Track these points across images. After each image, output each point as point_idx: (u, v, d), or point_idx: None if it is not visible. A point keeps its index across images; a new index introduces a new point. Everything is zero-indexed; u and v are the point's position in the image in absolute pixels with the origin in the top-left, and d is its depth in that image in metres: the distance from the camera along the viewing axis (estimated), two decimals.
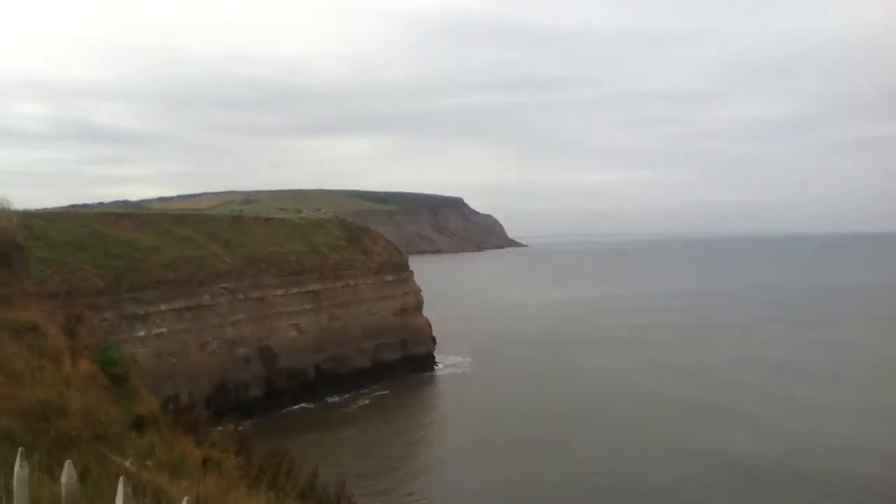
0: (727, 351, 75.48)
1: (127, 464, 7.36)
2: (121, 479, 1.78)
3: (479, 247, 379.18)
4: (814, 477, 37.90)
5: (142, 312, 46.99)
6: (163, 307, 48.60)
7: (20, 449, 1.90)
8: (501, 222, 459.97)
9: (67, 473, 1.81)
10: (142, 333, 46.37)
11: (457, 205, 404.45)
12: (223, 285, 54.15)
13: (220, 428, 13.34)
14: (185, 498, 1.77)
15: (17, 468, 1.84)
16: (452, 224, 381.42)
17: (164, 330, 48.19)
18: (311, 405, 55.59)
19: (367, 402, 57.74)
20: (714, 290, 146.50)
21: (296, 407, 54.72)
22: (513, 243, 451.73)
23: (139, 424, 9.73)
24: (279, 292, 58.75)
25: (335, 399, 57.52)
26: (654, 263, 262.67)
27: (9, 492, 3.28)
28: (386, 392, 60.46)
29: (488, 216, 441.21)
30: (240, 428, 13.98)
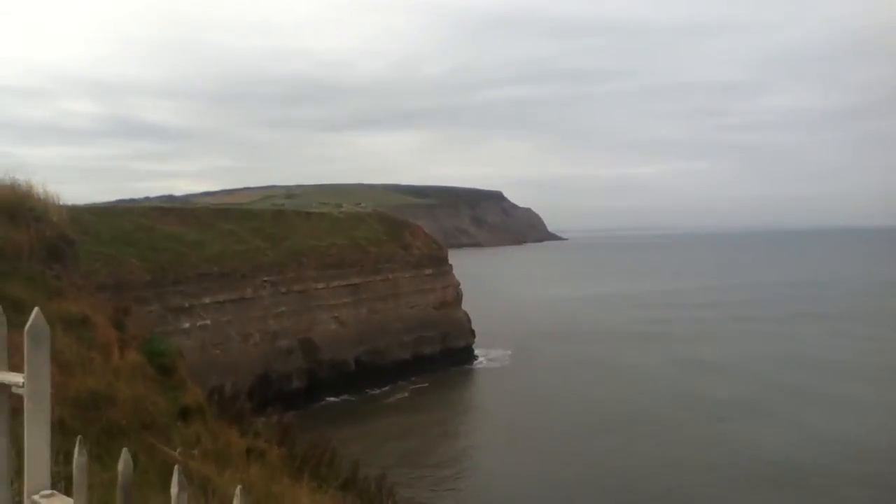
0: (770, 347, 74.03)
1: (176, 453, 7.52)
2: (176, 466, 1.81)
3: (519, 240, 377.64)
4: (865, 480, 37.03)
5: (186, 305, 47.90)
6: (207, 300, 49.47)
7: (79, 437, 1.95)
8: (541, 216, 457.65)
9: (124, 461, 1.85)
10: (186, 325, 47.27)
11: (496, 198, 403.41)
12: (265, 278, 54.91)
13: (263, 418, 13.53)
14: (238, 487, 1.79)
15: (76, 456, 1.88)
16: (492, 217, 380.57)
17: (208, 322, 49.06)
18: (352, 397, 56.09)
19: (406, 394, 58.05)
20: (755, 284, 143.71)
21: (336, 398, 55.27)
22: (553, 237, 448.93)
23: (185, 414, 9.92)
24: (320, 285, 59.36)
25: (375, 391, 57.94)
26: (695, 258, 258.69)
27: (63, 478, 3.36)
28: (425, 384, 60.70)
29: (528, 210, 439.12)
30: (282, 418, 14.18)
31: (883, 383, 57.19)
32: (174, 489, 1.67)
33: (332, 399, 54.94)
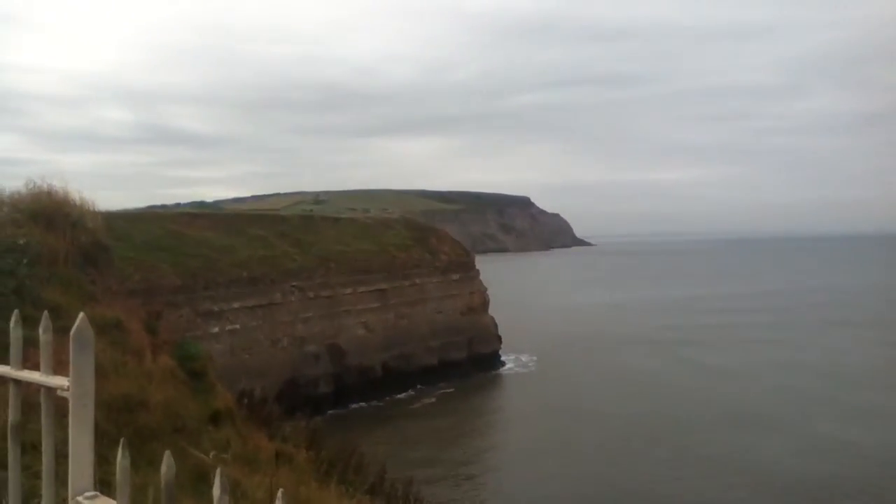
0: (798, 354, 72.88)
1: (209, 457, 7.63)
2: (218, 469, 1.86)
3: (546, 246, 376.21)
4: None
5: (216, 309, 48.44)
6: (236, 305, 49.99)
7: (122, 440, 2.01)
8: (569, 221, 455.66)
9: (167, 465, 1.91)
10: (216, 330, 47.79)
11: (524, 204, 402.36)
12: (294, 283, 55.35)
13: (291, 423, 13.65)
14: (280, 490, 1.84)
15: (119, 458, 1.95)
16: (519, 223, 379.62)
17: (237, 326, 49.57)
18: (379, 402, 56.25)
19: (433, 399, 58.08)
20: (787, 291, 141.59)
21: (364, 403, 55.48)
22: (581, 243, 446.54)
23: (215, 418, 10.05)
24: (348, 291, 59.68)
25: (402, 396, 58.06)
26: (725, 264, 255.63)
27: (98, 480, 3.44)
28: (452, 390, 60.68)
29: (556, 215, 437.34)
30: (310, 423, 14.29)
31: None
32: (216, 491, 1.72)
33: (359, 404, 55.17)
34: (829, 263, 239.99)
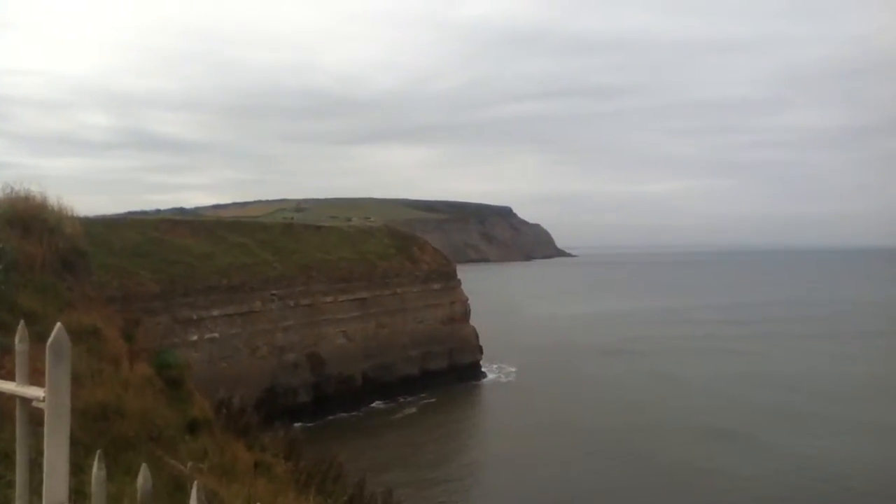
0: (765, 367, 73.60)
1: (186, 467, 7.55)
2: (196, 483, 1.85)
3: (528, 256, 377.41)
4: None
5: (195, 317, 48.05)
6: (215, 312, 49.62)
7: (98, 452, 1.99)
8: (551, 232, 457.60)
9: (143, 476, 1.89)
10: (195, 338, 47.40)
11: (505, 214, 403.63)
12: (274, 292, 55.04)
13: (270, 432, 13.55)
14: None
15: (95, 470, 1.93)
16: (500, 233, 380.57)
17: (216, 335, 49.18)
18: (359, 412, 55.99)
19: (413, 409, 57.91)
20: (760, 302, 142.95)
21: (343, 413, 55.19)
22: (562, 253, 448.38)
23: (193, 427, 9.95)
24: (328, 299, 59.44)
25: (382, 406, 57.85)
26: (704, 276, 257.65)
27: (73, 490, 3.40)
28: (432, 400, 60.55)
29: (537, 226, 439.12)
30: (289, 433, 14.19)
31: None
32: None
33: (339, 414, 54.88)
34: (810, 277, 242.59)
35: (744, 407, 55.94)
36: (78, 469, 4.69)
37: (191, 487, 1.75)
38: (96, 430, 8.22)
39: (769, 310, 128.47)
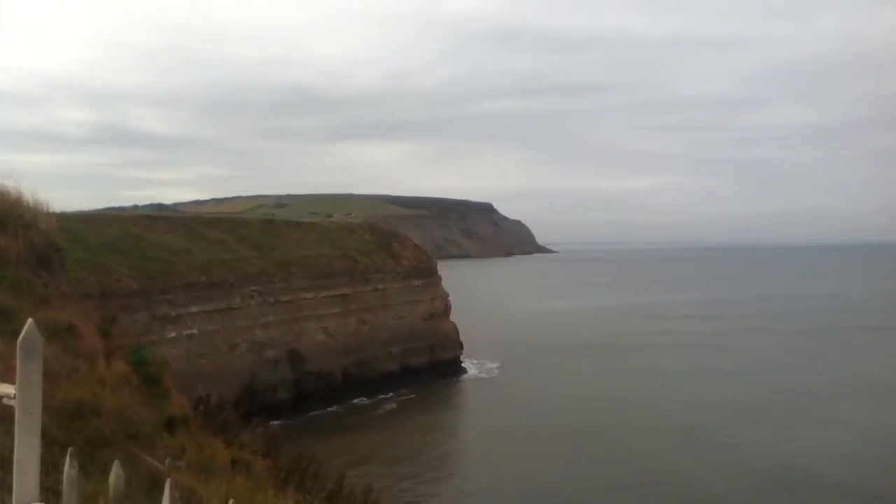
0: (778, 357, 74.46)
1: (163, 465, 7.51)
2: (168, 480, 1.84)
3: (508, 252, 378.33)
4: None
5: (173, 314, 47.67)
6: (194, 309, 49.25)
7: (70, 450, 1.98)
8: (531, 228, 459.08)
9: (116, 474, 1.89)
10: (173, 335, 47.02)
11: (486, 210, 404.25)
12: (253, 288, 54.74)
13: (248, 430, 13.50)
14: (231, 500, 1.84)
15: (66, 468, 1.92)
16: (481, 229, 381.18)
17: (194, 331, 48.82)
18: (339, 408, 55.87)
19: (393, 405, 57.89)
20: (735, 299, 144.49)
21: (323, 410, 55.02)
22: (542, 249, 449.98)
23: (170, 425, 9.90)
24: (308, 295, 59.21)
25: (362, 402, 57.76)
26: (684, 272, 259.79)
27: (45, 489, 3.37)
28: (413, 396, 60.57)
29: (517, 222, 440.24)
30: (268, 430, 14.15)
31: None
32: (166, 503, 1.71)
33: (319, 410, 54.71)
34: (786, 273, 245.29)
35: (714, 404, 56.20)
36: (53, 467, 4.64)
37: (171, 486, 1.75)
38: (72, 428, 8.14)
39: (743, 306, 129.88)
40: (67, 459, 1.85)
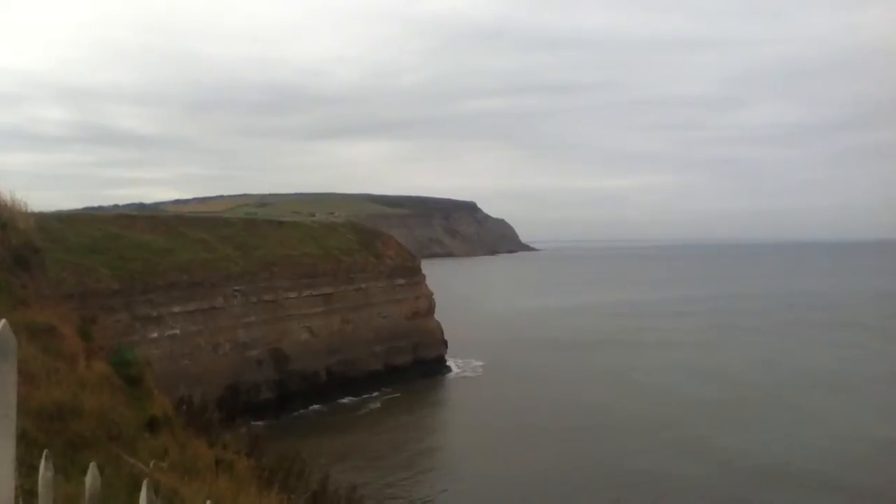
0: (753, 353, 75.10)
1: (143, 465, 7.43)
2: (145, 481, 1.81)
3: (492, 251, 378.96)
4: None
5: (155, 314, 47.31)
6: (176, 309, 48.90)
7: (45, 451, 1.94)
8: (515, 227, 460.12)
9: (92, 475, 1.85)
10: (155, 335, 46.67)
11: (470, 209, 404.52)
12: (236, 288, 54.44)
13: (232, 430, 13.41)
14: (207, 501, 1.81)
15: (42, 471, 1.88)
16: (465, 228, 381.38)
17: (177, 332, 48.48)
18: (323, 408, 55.72)
19: (378, 405, 57.81)
20: (725, 294, 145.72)
21: (307, 409, 54.86)
22: (526, 248, 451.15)
23: (153, 425, 9.81)
24: (292, 295, 58.98)
25: (346, 402, 57.63)
26: (666, 270, 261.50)
27: (25, 491, 3.33)
28: (397, 395, 60.52)
29: (501, 220, 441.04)
30: (251, 430, 14.07)
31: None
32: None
33: (302, 410, 54.53)
34: (766, 270, 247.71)
35: (693, 402, 56.34)
36: (33, 470, 4.59)
37: (148, 486, 1.72)
38: (52, 430, 8.05)
39: (723, 303, 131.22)
40: (42, 462, 1.81)
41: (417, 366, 67.54)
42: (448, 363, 71.50)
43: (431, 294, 74.76)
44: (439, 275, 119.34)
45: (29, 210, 13.18)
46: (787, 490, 37.37)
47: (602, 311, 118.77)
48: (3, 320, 1.89)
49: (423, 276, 75.63)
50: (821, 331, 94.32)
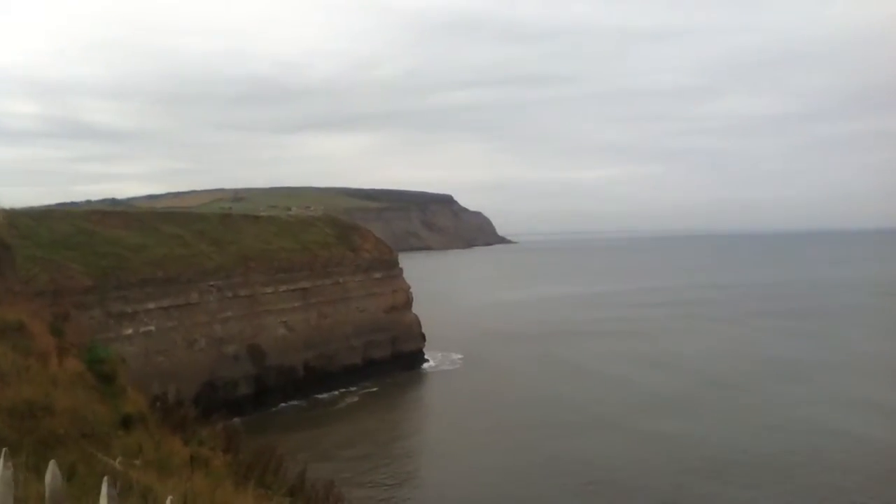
0: (714, 344, 76.03)
1: (116, 463, 7.38)
2: (105, 478, 1.81)
3: (469, 244, 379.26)
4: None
5: (129, 311, 46.81)
6: (151, 305, 48.43)
7: (4, 449, 1.93)
8: (491, 219, 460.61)
9: (52, 473, 1.84)
10: (129, 332, 46.19)
11: (446, 202, 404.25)
12: (212, 283, 54.01)
13: (208, 426, 13.33)
14: (169, 497, 1.81)
15: (0, 469, 1.87)
16: (442, 221, 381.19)
17: (151, 328, 48.02)
18: (301, 402, 55.55)
19: (356, 399, 57.75)
20: (701, 285, 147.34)
21: (285, 404, 54.67)
22: (502, 240, 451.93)
23: (127, 423, 9.73)
24: (268, 290, 58.63)
25: (324, 396, 57.49)
26: (639, 261, 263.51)
27: None
28: (375, 389, 60.49)
29: (478, 213, 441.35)
30: (227, 426, 13.98)
31: None
32: (103, 501, 1.68)
33: (280, 405, 54.31)
34: (735, 261, 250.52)
35: (658, 394, 56.74)
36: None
37: (108, 483, 1.72)
38: (23, 429, 7.97)
39: (690, 293, 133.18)
40: (1, 461, 1.80)
41: (396, 359, 67.54)
42: (426, 356, 71.58)
43: (409, 287, 74.73)
44: (417, 268, 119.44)
45: None
46: (747, 478, 37.95)
47: (576, 303, 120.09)
48: None
49: (401, 270, 75.56)
50: (781, 319, 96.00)
